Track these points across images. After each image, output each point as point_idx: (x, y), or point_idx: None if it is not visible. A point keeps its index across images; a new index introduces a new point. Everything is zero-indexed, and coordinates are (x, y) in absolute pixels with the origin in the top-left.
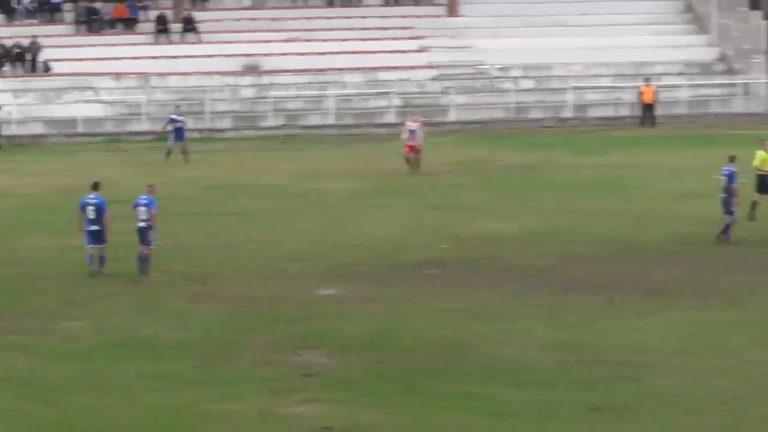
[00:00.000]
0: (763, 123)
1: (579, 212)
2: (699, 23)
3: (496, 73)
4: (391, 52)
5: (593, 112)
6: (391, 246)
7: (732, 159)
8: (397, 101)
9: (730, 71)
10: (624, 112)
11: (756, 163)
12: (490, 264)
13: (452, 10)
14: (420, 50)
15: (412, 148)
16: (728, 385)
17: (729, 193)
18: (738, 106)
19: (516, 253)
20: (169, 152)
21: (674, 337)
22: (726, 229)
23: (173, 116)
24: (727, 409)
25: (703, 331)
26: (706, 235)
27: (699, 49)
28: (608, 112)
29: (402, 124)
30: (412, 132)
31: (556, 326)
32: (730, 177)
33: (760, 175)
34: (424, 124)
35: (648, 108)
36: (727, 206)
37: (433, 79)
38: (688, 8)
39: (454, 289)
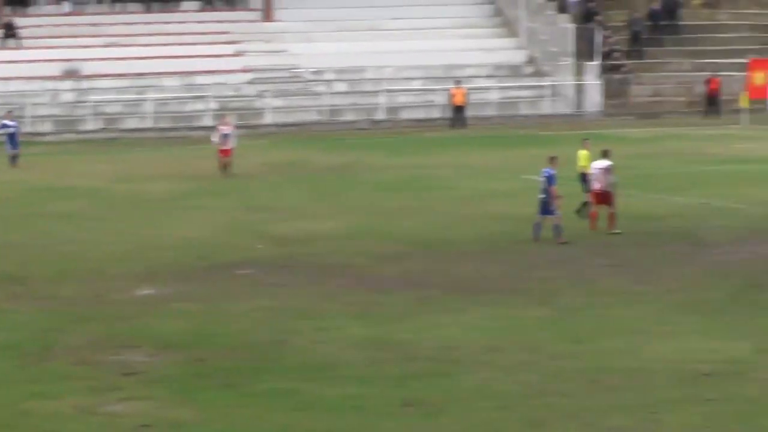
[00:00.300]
0: (570, 124)
1: (392, 212)
2: (508, 26)
3: (310, 77)
4: (207, 56)
5: (405, 114)
6: (207, 246)
7: (552, 160)
8: (213, 105)
9: (539, 73)
10: (435, 113)
11: (581, 162)
12: (305, 263)
13: (267, 15)
14: (236, 54)
15: (226, 152)
16: (536, 379)
17: (548, 194)
18: (546, 107)
19: (330, 253)
20: (12, 158)
21: (484, 333)
22: (556, 230)
23: (5, 122)
24: (536, 403)
25: (513, 327)
26: (515, 233)
27: (508, 51)
28: (420, 114)
29: (214, 128)
30: (225, 136)
31: (370, 323)
32: (550, 179)
33: (583, 174)
34: (238, 126)
35: (459, 110)
36: (545, 207)
37: (249, 82)
38: (498, 12)
39: (269, 289)
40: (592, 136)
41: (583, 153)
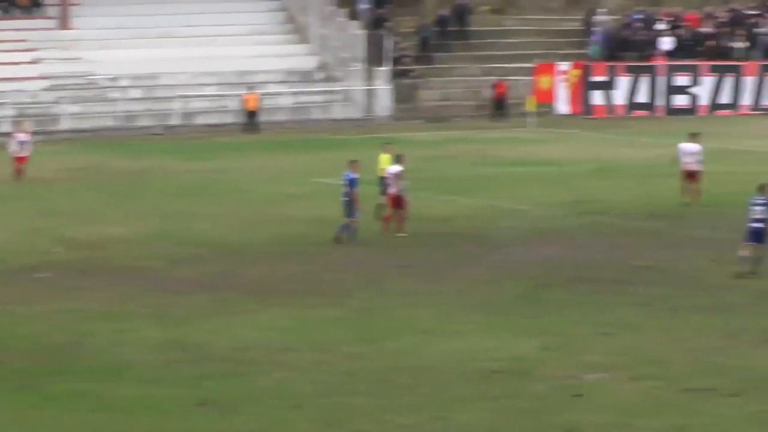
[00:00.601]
0: (361, 128)
1: (187, 215)
2: (300, 33)
3: (106, 83)
4: (5, 63)
5: (200, 120)
6: (4, 251)
7: (352, 164)
8: (11, 111)
9: (330, 79)
10: (229, 119)
11: (382, 166)
12: (101, 267)
13: (64, 23)
14: (33, 62)
15: (22, 159)
16: (330, 379)
17: (350, 197)
18: (337, 111)
19: (127, 256)
20: None
21: (278, 333)
22: (350, 232)
23: None
24: (329, 402)
25: (306, 327)
26: (309, 236)
27: (300, 57)
28: (214, 119)
29: (10, 135)
30: (21, 143)
31: (166, 325)
32: (352, 183)
33: (383, 178)
34: (35, 133)
35: (252, 115)
36: (349, 209)
37: (46, 89)
38: (289, 19)
39: (67, 292)
40: (382, 140)
41: (384, 157)
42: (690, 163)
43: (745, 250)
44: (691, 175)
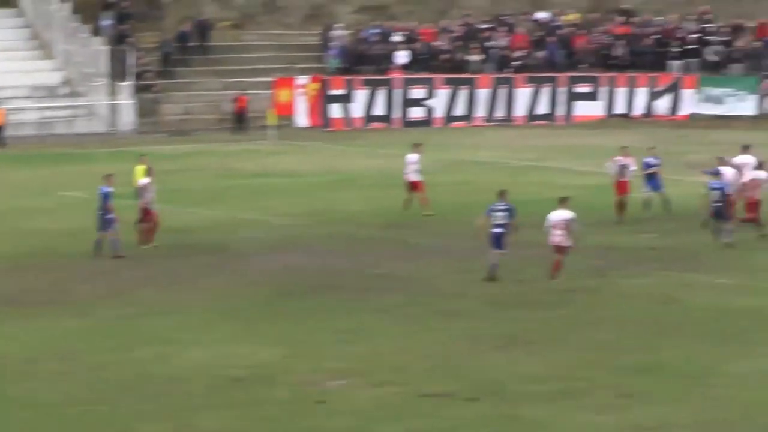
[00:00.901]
0: (104, 142)
1: None
2: (45, 49)
3: None
4: None
5: None
6: None
7: (107, 178)
8: None
9: (74, 94)
10: None
11: (138, 177)
12: None
13: None
14: None
15: None
16: (75, 389)
17: (105, 210)
18: (82, 126)
19: None
20: None
21: (24, 345)
22: (98, 244)
23: None
24: (75, 411)
25: (52, 338)
26: (55, 248)
27: (45, 73)
28: None
29: None
30: None
31: None
32: (106, 196)
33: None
34: None
35: None
36: (104, 223)
37: None
38: (34, 35)
39: None
40: (126, 154)
41: (139, 168)
42: (409, 174)
43: (494, 256)
44: (413, 186)
